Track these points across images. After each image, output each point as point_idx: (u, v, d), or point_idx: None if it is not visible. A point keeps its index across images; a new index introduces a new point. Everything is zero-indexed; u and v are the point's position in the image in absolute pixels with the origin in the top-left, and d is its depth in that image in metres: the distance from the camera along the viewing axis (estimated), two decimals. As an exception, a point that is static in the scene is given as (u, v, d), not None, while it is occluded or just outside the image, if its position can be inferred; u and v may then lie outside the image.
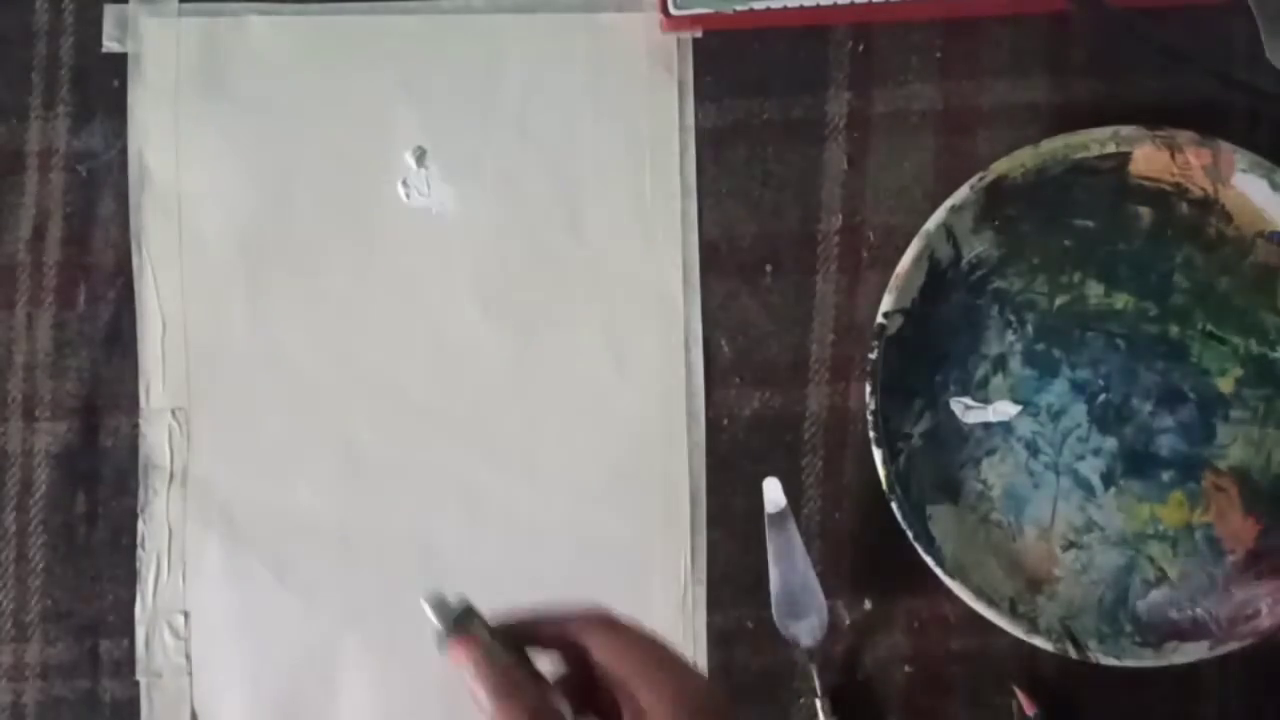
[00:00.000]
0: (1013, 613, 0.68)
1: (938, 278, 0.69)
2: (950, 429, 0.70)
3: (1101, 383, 0.70)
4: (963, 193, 0.68)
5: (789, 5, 0.71)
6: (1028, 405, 0.70)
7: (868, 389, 0.68)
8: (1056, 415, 0.70)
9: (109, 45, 0.73)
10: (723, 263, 0.72)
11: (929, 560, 0.68)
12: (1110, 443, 0.70)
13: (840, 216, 0.72)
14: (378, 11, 0.73)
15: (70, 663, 0.72)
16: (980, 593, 0.68)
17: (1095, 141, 0.68)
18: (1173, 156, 0.68)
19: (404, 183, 0.72)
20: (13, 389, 0.72)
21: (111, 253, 0.72)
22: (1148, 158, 0.69)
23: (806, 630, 0.69)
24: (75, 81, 0.73)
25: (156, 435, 0.72)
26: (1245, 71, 0.70)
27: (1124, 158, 0.69)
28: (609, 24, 0.72)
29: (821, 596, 0.69)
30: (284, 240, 0.72)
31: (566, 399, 0.72)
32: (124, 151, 0.72)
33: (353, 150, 0.72)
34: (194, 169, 0.72)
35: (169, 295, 0.72)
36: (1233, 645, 0.67)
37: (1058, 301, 0.70)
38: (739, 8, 0.71)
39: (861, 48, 0.72)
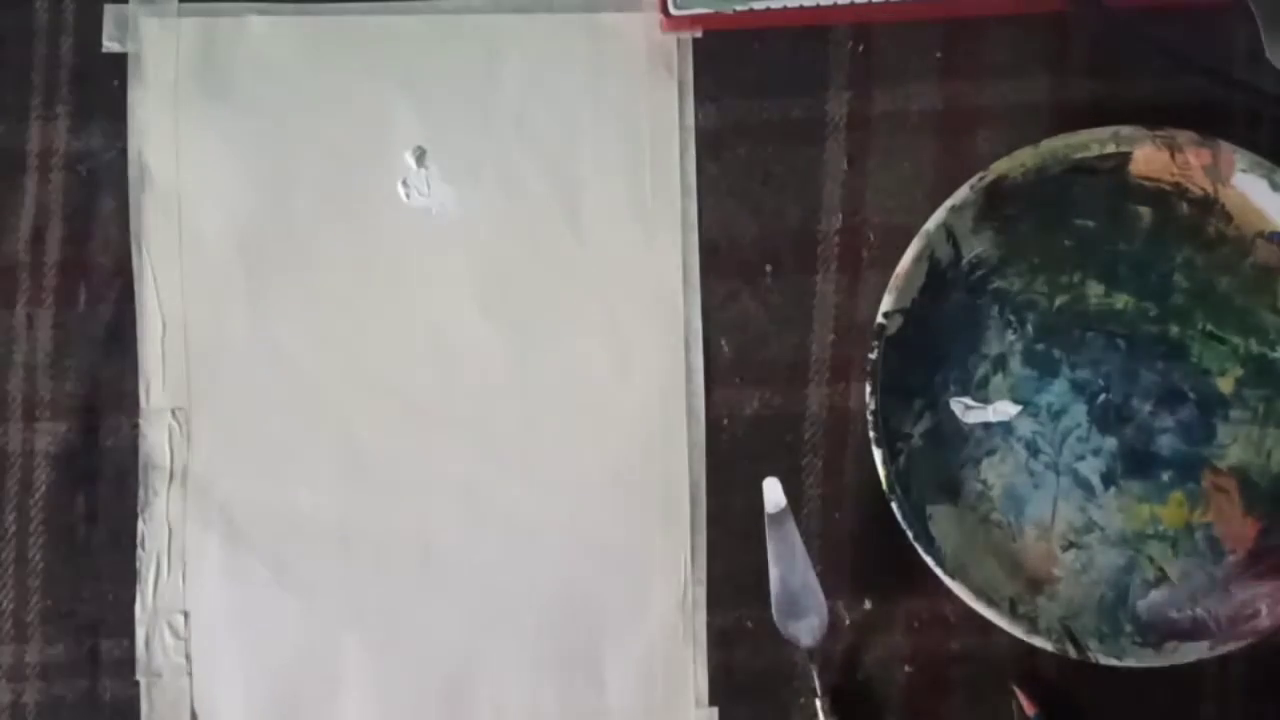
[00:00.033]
0: (1013, 613, 0.68)
1: (938, 278, 0.69)
2: (950, 429, 0.70)
3: (1101, 383, 0.70)
4: (963, 193, 0.68)
5: (789, 5, 0.71)
6: (1028, 405, 0.70)
7: (868, 389, 0.68)
8: (1056, 415, 0.70)
9: (109, 45, 0.73)
10: (723, 262, 0.72)
11: (929, 560, 0.68)
12: (1110, 443, 0.70)
13: (840, 216, 0.72)
14: (378, 12, 0.73)
15: (70, 663, 0.72)
16: (980, 593, 0.68)
17: (1095, 141, 0.68)
18: (1173, 156, 0.68)
19: (404, 183, 0.72)
20: (13, 389, 0.72)
21: (111, 253, 0.72)
22: (1148, 158, 0.68)
23: (806, 630, 0.69)
24: (75, 81, 0.73)
25: (156, 435, 0.72)
26: (1245, 71, 0.70)
27: (1124, 158, 0.68)
28: (609, 24, 0.72)
29: (821, 596, 0.69)
30: (284, 240, 0.72)
31: (566, 399, 0.72)
32: (124, 151, 0.72)
33: (353, 150, 0.72)
34: (194, 169, 0.72)
35: (169, 295, 0.72)
36: (1233, 645, 0.67)
37: (1058, 301, 0.70)
38: (739, 8, 0.71)
39: (861, 48, 0.72)
